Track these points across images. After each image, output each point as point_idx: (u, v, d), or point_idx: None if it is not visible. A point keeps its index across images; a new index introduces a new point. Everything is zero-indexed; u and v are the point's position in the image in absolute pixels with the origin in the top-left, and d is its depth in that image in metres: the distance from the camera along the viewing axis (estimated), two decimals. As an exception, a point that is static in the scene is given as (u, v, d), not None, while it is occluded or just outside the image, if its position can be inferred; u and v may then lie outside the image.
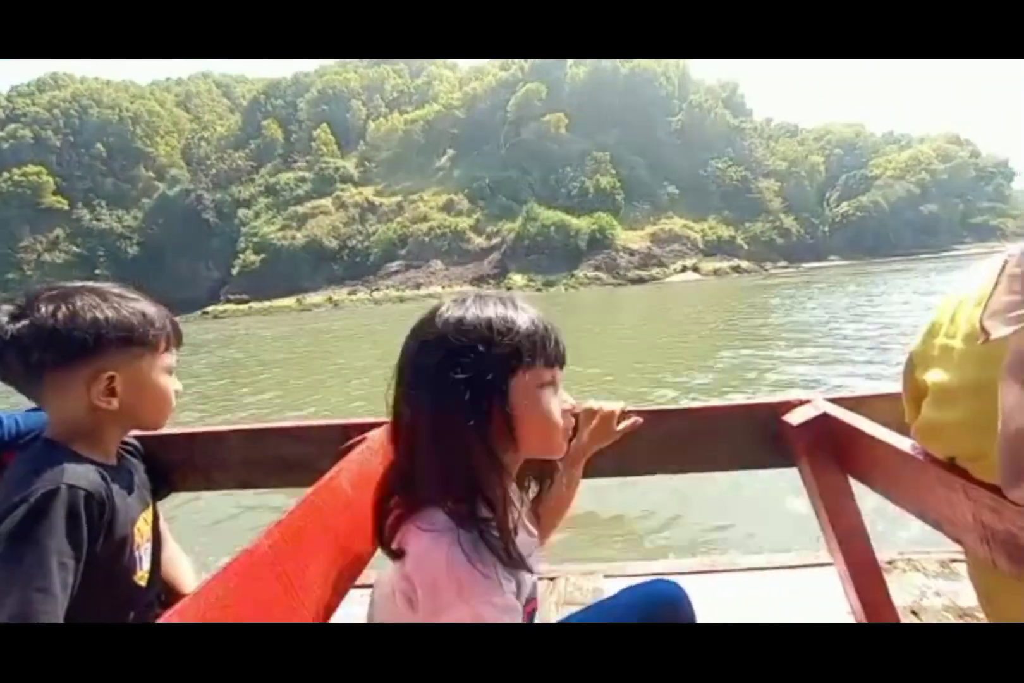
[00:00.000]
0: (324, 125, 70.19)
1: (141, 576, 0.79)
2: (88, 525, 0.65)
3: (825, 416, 0.82)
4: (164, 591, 0.86)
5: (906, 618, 1.14)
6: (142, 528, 0.81)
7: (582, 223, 47.15)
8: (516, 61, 76.00)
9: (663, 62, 73.13)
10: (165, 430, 0.90)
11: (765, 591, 1.32)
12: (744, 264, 47.51)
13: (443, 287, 44.00)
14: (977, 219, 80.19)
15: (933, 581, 1.29)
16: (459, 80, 79.38)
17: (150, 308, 0.74)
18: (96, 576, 0.68)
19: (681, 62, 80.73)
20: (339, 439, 0.89)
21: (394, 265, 50.21)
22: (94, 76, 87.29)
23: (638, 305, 23.88)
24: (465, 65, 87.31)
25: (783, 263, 63.34)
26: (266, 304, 46.59)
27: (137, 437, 0.89)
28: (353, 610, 0.72)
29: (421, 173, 65.72)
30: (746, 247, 57.64)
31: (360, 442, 0.83)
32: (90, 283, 0.75)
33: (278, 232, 57.31)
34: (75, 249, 64.51)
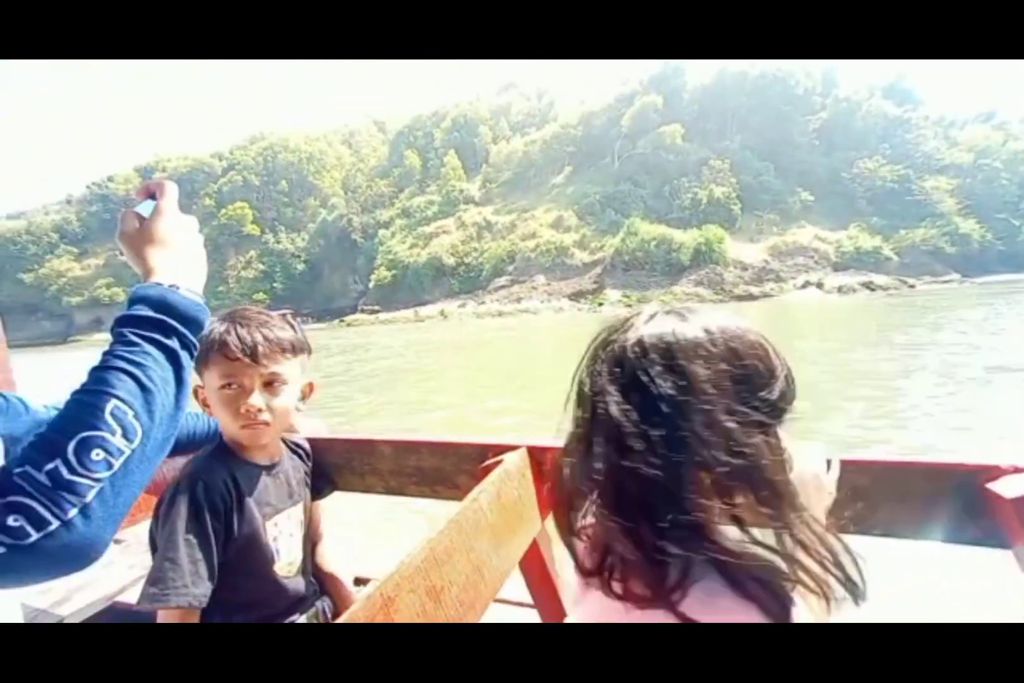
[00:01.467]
0: (452, 152, 77.62)
1: (281, 566, 0.88)
2: (211, 511, 0.75)
3: None
4: (320, 582, 0.97)
5: None
6: (282, 522, 0.90)
7: (685, 237, 45.29)
8: (635, 75, 75.75)
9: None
10: (329, 435, 1.07)
11: None
12: (879, 280, 40.98)
13: (541, 302, 45.87)
14: None
15: None
16: (578, 99, 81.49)
17: (234, 327, 0.81)
18: (236, 559, 0.81)
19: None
20: (477, 457, 0.93)
21: (502, 280, 53.59)
22: (290, 127, 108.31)
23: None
24: (584, 84, 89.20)
25: (952, 276, 52.86)
26: (390, 315, 53.30)
27: (309, 439, 1.05)
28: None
29: (537, 191, 68.89)
30: (896, 259, 49.51)
31: (497, 464, 0.85)
32: (253, 308, 0.88)
33: (407, 250, 64.92)
34: (261, 266, 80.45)
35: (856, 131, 63.78)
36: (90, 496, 0.38)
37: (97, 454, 0.38)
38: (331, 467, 1.06)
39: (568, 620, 0.67)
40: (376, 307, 59.04)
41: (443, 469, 0.99)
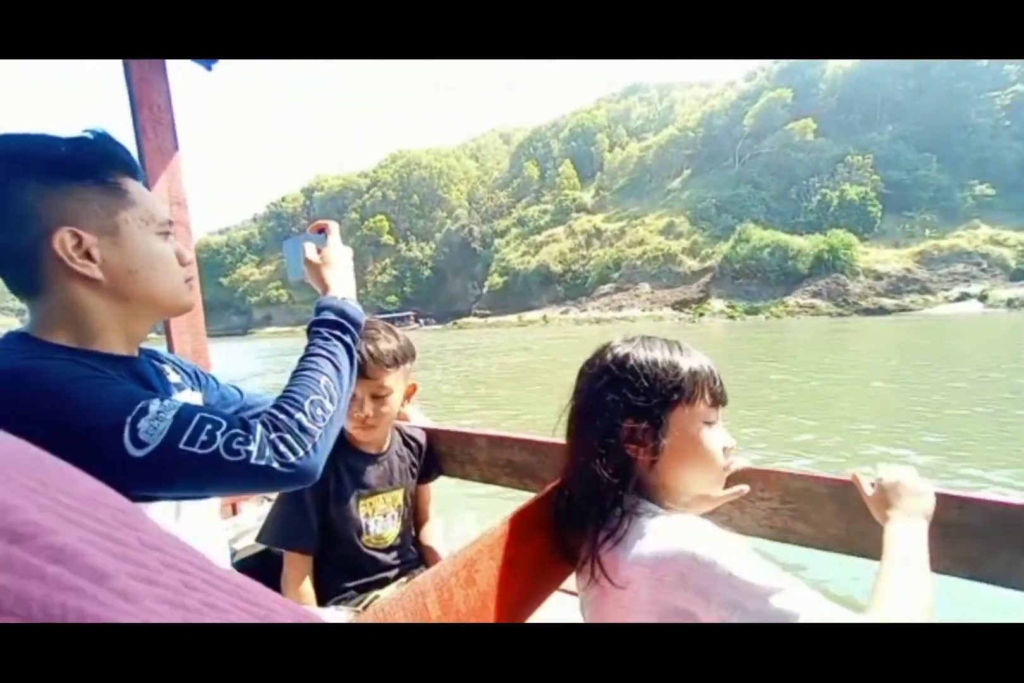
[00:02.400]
0: (567, 161, 79.96)
1: (368, 539, 1.04)
2: (312, 489, 0.80)
3: None
4: (422, 556, 1.14)
5: None
6: (377, 503, 1.06)
7: (806, 243, 41.69)
8: (762, 69, 70.50)
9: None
10: (445, 427, 1.22)
11: None
12: None
13: (642, 310, 45.87)
14: None
15: None
16: (700, 99, 78.24)
17: (376, 351, 0.96)
18: (331, 527, 1.00)
19: None
20: (561, 454, 0.92)
21: (606, 287, 54.43)
22: (426, 146, 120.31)
23: (858, 343, 18.22)
24: (710, 83, 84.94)
25: None
26: (496, 319, 57.33)
27: (426, 429, 1.21)
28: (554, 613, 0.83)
29: (651, 197, 68.13)
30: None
31: None
32: (380, 321, 1.04)
33: (519, 258, 68.78)
34: (394, 272, 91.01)
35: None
36: (317, 437, 0.56)
37: (318, 411, 0.57)
38: (437, 453, 1.21)
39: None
40: (487, 311, 63.76)
41: (531, 463, 1.09)
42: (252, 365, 21.75)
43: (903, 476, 0.68)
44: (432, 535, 1.18)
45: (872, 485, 0.70)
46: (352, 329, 0.68)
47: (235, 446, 0.50)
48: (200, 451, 0.49)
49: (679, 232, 56.40)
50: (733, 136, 63.68)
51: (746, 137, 61.37)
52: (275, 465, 0.52)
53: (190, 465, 0.49)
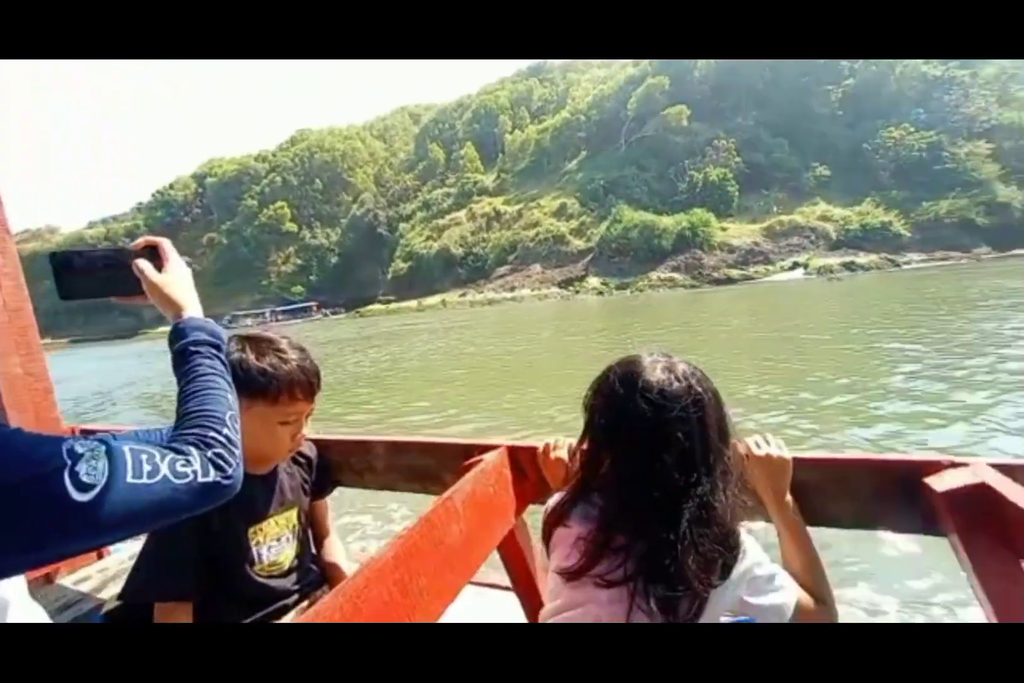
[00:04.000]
0: (468, 143, 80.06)
1: (262, 568, 0.96)
2: (188, 525, 0.76)
3: (985, 487, 0.69)
4: (324, 575, 1.08)
5: None
6: (267, 528, 0.97)
7: (670, 222, 45.52)
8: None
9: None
10: (335, 436, 1.16)
11: None
12: (862, 260, 39.52)
13: (532, 290, 48.12)
14: None
15: None
16: (591, 83, 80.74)
17: (284, 365, 0.88)
18: (218, 560, 0.90)
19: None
20: (461, 456, 1.00)
21: (503, 269, 56.15)
22: (328, 126, 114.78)
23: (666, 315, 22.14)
24: (599, 68, 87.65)
25: (981, 250, 49.19)
26: (398, 305, 57.64)
27: (314, 440, 1.12)
28: (463, 604, 0.85)
29: (548, 179, 70.14)
30: (907, 235, 47.04)
31: (477, 463, 0.93)
32: (270, 334, 0.94)
33: (423, 242, 68.80)
34: (299, 261, 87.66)
35: (886, 97, 59.53)
36: (239, 448, 0.58)
37: (236, 425, 0.60)
38: (333, 466, 1.16)
39: (550, 606, 0.75)
40: (392, 297, 63.68)
41: (431, 467, 1.09)
42: (135, 371, 19.90)
43: (774, 451, 0.80)
44: (334, 550, 1.15)
45: (747, 457, 0.79)
46: (223, 345, 0.68)
47: (179, 469, 0.50)
48: (149, 481, 0.48)
49: (570, 213, 58.93)
50: (620, 119, 66.71)
51: (631, 121, 64.55)
52: (220, 480, 0.53)
53: (144, 498, 0.47)
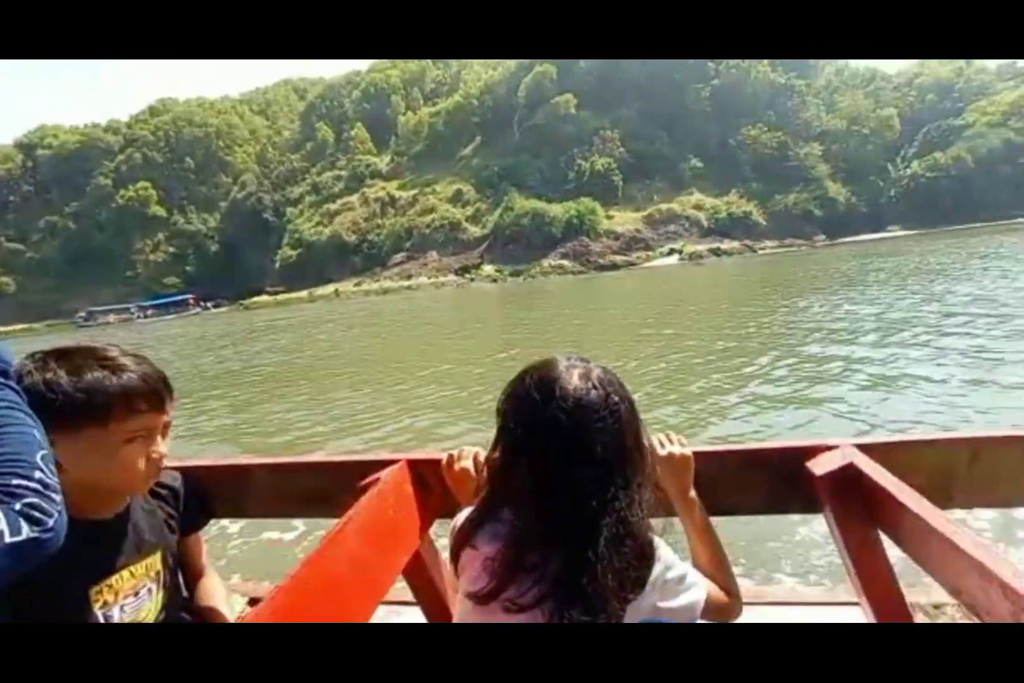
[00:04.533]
0: (359, 124, 76.18)
1: None
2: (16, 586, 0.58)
3: (851, 467, 0.79)
4: (200, 617, 0.92)
5: None
6: (119, 583, 0.79)
7: (559, 210, 47.57)
8: (532, 42, 75.04)
9: (698, 21, 67.63)
10: (204, 462, 1.03)
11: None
12: (726, 246, 44.75)
13: (428, 278, 47.78)
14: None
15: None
16: (483, 67, 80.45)
17: (114, 376, 0.73)
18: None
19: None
20: (358, 474, 0.91)
21: (399, 256, 54.90)
22: (196, 96, 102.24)
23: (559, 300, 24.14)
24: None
25: (819, 238, 57.59)
26: (286, 296, 54.18)
27: (179, 468, 0.95)
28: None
29: (445, 164, 69.15)
30: (764, 224, 53.49)
31: (374, 483, 0.85)
32: (90, 344, 0.77)
33: (313, 228, 64.83)
34: (172, 249, 78.32)
35: (746, 98, 66.36)
36: (60, 492, 0.49)
37: (51, 466, 0.51)
38: (204, 496, 0.98)
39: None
40: (281, 288, 59.54)
41: (323, 490, 0.98)
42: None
43: (677, 450, 0.81)
44: (211, 593, 0.98)
45: (652, 456, 0.77)
46: (11, 374, 0.58)
47: None
48: None
49: (466, 200, 58.89)
50: (513, 106, 67.37)
51: (523, 108, 65.48)
52: (37, 535, 0.46)
53: None
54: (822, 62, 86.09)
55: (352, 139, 76.14)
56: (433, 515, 0.97)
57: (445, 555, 0.84)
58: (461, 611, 0.72)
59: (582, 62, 69.46)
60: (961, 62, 77.66)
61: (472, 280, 43.17)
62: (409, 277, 49.22)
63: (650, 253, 45.68)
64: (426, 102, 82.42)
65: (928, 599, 1.21)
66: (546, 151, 62.16)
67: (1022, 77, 73.51)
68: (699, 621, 0.69)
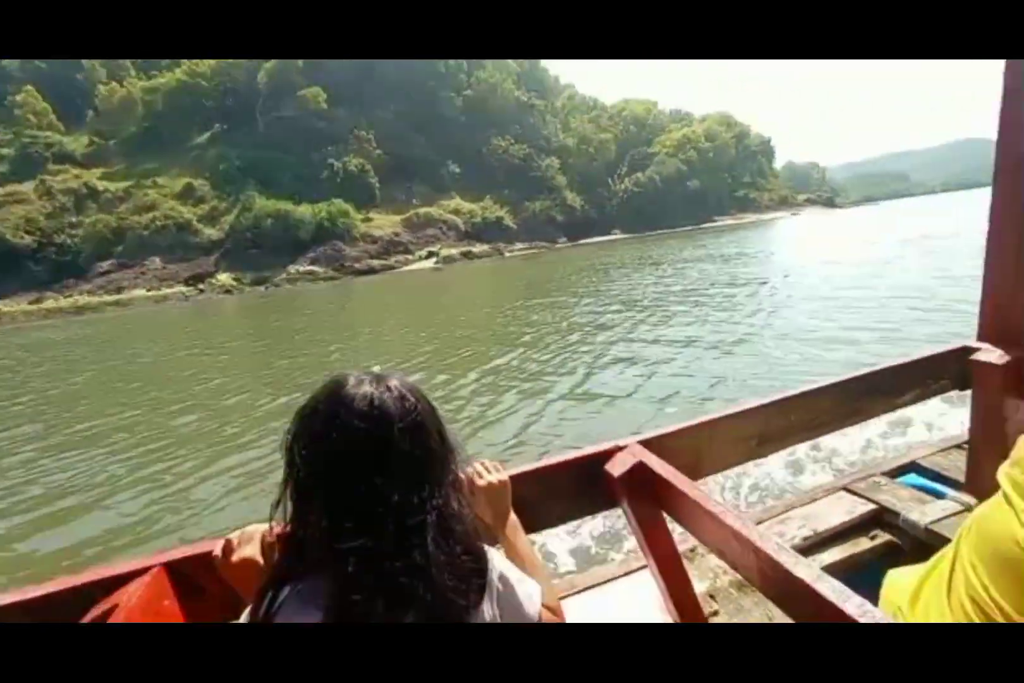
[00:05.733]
0: (29, 88, 57.99)
1: None
2: None
3: (640, 465, 0.92)
4: None
5: (704, 602, 1.30)
6: None
7: (307, 211, 44.44)
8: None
9: (444, 32, 70.69)
10: None
11: (601, 606, 1.37)
12: (477, 249, 48.58)
13: (148, 290, 39.27)
14: (740, 193, 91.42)
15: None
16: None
17: None
18: None
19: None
20: (97, 595, 0.70)
21: (105, 265, 43.78)
22: None
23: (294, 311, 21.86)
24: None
25: (562, 240, 66.86)
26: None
27: None
28: None
29: (170, 154, 57.61)
30: (515, 227, 59.25)
31: (112, 612, 0.65)
32: None
33: (-41, 227, 46.98)
34: None
35: (495, 111, 72.27)
36: None
37: None
38: None
39: None
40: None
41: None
42: None
43: (494, 478, 0.82)
44: None
45: (471, 490, 0.78)
46: None
47: None
48: None
49: (199, 197, 50.30)
50: (254, 93, 59.99)
51: (266, 97, 58.86)
52: None
53: None
54: (560, 85, 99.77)
55: (20, 106, 57.38)
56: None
57: None
58: None
59: (329, 54, 65.93)
60: (650, 102, 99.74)
61: (201, 292, 36.81)
62: (119, 290, 39.59)
63: (409, 256, 46.09)
64: (138, 73, 67.33)
65: (685, 547, 1.49)
66: (297, 147, 57.20)
67: (684, 121, 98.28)
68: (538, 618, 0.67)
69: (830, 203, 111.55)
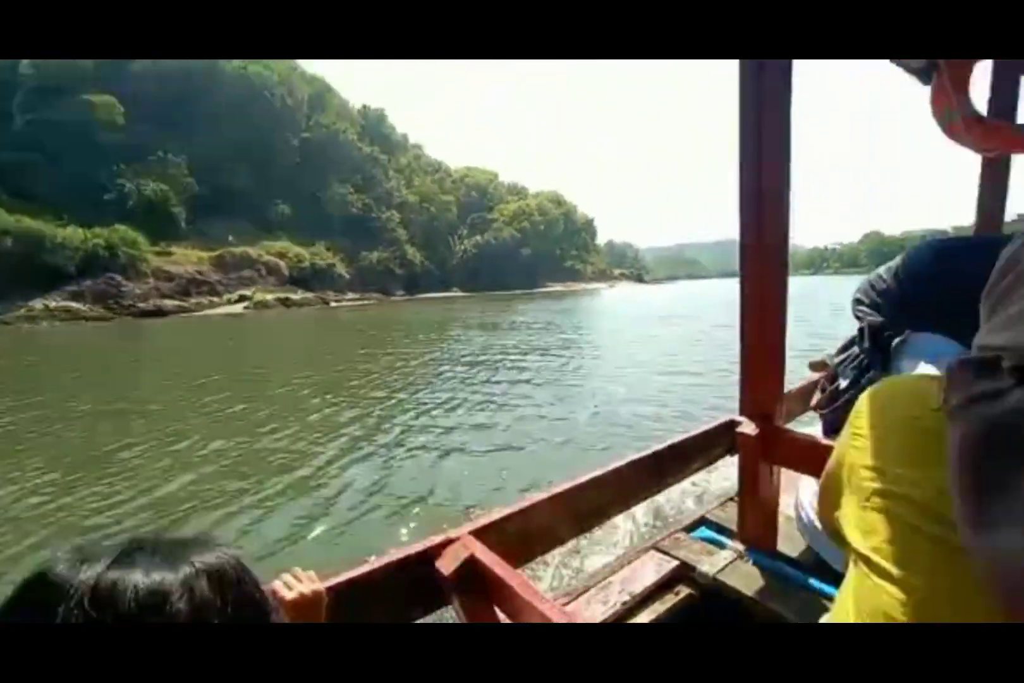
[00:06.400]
0: None
1: None
2: None
3: (471, 559, 0.88)
4: None
5: None
6: None
7: (75, 235, 35.82)
8: None
9: (284, 75, 68.21)
10: None
11: None
12: (297, 297, 44.87)
13: None
14: (568, 264, 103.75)
15: None
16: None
17: None
18: None
19: (315, 79, 77.98)
20: None
21: None
22: None
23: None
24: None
25: (400, 292, 65.93)
26: None
27: None
28: None
29: None
30: (347, 277, 56.46)
31: None
32: None
33: None
34: None
35: (335, 157, 70.39)
36: None
37: None
38: None
39: None
40: None
41: None
42: None
43: (307, 588, 0.70)
44: None
45: (280, 605, 0.67)
46: None
47: None
48: None
49: None
50: (12, 86, 48.27)
51: (28, 91, 47.78)
52: None
53: None
54: (408, 142, 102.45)
55: None
56: None
57: None
58: None
59: (136, 63, 57.58)
60: (492, 173, 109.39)
61: None
62: None
63: (215, 299, 39.78)
64: None
65: None
66: (66, 155, 46.81)
67: (520, 194, 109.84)
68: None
69: (640, 279, 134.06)
